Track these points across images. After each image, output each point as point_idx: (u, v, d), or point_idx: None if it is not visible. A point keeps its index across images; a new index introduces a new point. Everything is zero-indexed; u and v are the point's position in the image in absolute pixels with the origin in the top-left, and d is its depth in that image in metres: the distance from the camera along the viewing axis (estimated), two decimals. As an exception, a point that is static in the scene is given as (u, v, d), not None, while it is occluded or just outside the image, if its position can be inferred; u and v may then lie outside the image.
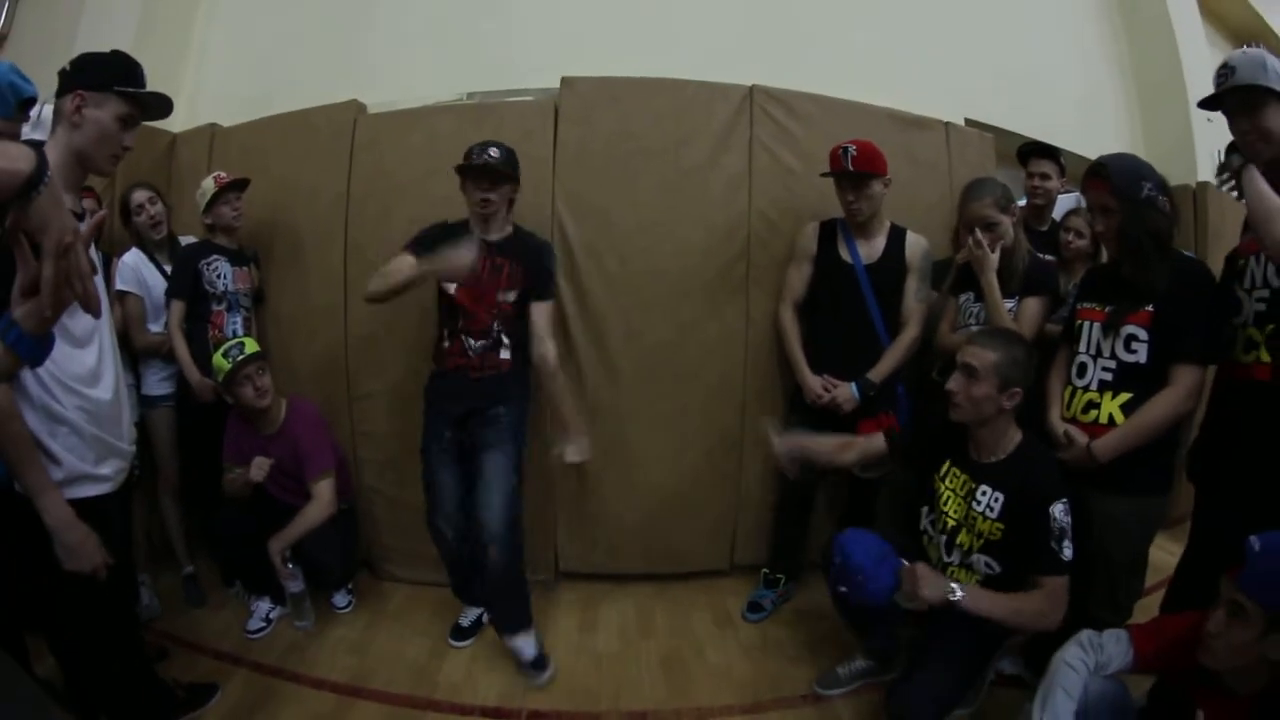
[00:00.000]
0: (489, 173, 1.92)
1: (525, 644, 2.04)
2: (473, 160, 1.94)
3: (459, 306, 1.99)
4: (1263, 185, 1.47)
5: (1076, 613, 1.64)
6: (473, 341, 2.01)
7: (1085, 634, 1.43)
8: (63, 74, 1.29)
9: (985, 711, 1.86)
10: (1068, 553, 1.57)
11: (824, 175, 2.18)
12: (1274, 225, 1.43)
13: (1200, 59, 3.16)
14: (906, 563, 1.65)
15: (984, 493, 1.68)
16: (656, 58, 2.45)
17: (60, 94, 1.27)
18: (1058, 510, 1.57)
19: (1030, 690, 1.84)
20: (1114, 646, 1.39)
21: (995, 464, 1.68)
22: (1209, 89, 1.61)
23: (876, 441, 1.86)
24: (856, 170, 2.10)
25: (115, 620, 1.42)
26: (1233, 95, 1.53)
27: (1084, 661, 1.37)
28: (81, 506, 1.28)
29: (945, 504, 1.76)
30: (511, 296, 2.01)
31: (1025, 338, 1.76)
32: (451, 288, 1.97)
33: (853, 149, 2.11)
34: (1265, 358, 1.51)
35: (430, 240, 1.94)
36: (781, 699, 1.98)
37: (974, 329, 2.06)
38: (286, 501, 2.24)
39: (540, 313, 2.01)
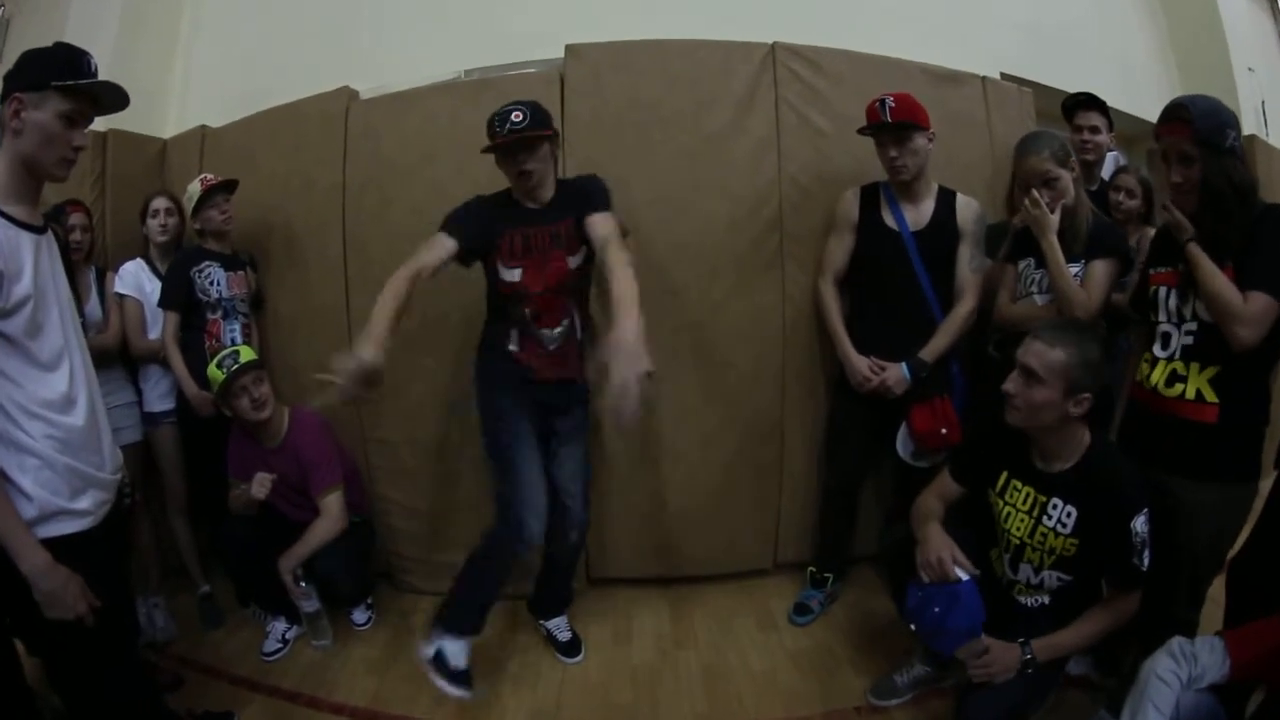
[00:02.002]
0: (522, 144, 1.70)
1: (563, 626, 2.09)
2: (497, 134, 1.70)
3: (526, 294, 1.77)
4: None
5: (1157, 612, 1.51)
6: (548, 332, 1.82)
7: (1176, 643, 1.31)
8: (4, 78, 1.18)
9: (1051, 715, 1.66)
10: (1146, 562, 1.45)
11: (861, 132, 1.98)
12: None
13: (1239, 8, 2.94)
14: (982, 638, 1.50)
15: (1055, 506, 1.51)
16: (667, 18, 2.30)
17: (2, 100, 1.16)
18: (1139, 524, 1.42)
19: (1099, 691, 1.74)
20: (1208, 656, 1.27)
21: (1065, 472, 1.50)
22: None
23: (1012, 656, 1.53)
24: (896, 121, 1.90)
25: (108, 664, 1.31)
26: None
27: (1176, 675, 1.26)
28: (58, 545, 1.17)
29: (1007, 521, 1.59)
30: (580, 261, 1.80)
31: (1098, 331, 1.59)
32: (515, 274, 1.75)
33: (890, 100, 1.91)
34: None
35: (469, 218, 1.74)
36: (833, 711, 1.83)
37: (1036, 299, 1.88)
38: (294, 517, 2.14)
39: (597, 223, 1.71)
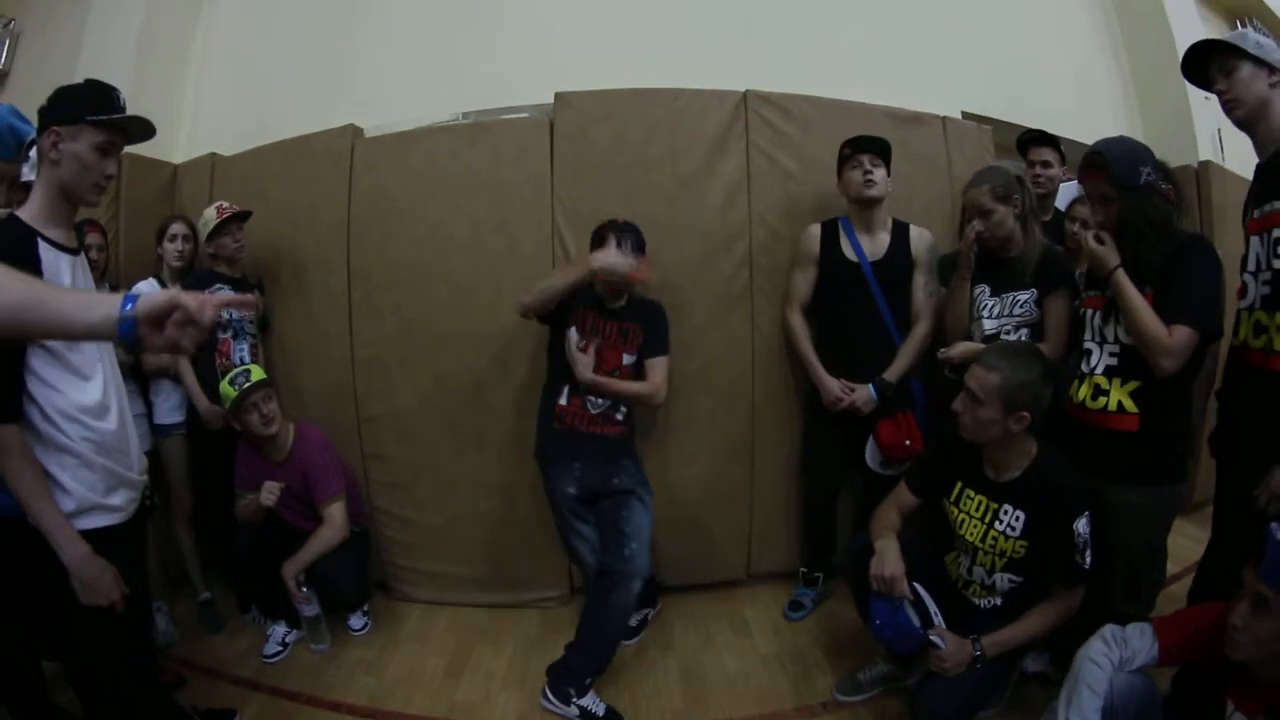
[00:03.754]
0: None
1: (595, 702, 1.91)
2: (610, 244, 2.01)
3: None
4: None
5: (1098, 606, 1.64)
6: (594, 399, 2.05)
7: (1109, 629, 1.42)
8: (40, 112, 1.30)
9: (1011, 710, 1.84)
10: (1089, 561, 1.58)
11: (852, 139, 2.17)
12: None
13: (1194, 37, 3.11)
14: (934, 636, 1.64)
15: (1005, 511, 1.66)
16: (649, 68, 2.45)
17: (39, 132, 1.28)
18: (1081, 525, 1.57)
19: (1055, 687, 1.85)
20: (1138, 641, 1.37)
21: (1014, 481, 1.66)
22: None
23: (965, 652, 1.67)
24: (886, 140, 2.14)
25: (131, 651, 1.41)
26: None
27: (1108, 657, 1.36)
28: (93, 537, 1.28)
29: (962, 528, 1.75)
30: (632, 358, 2.09)
31: (1044, 354, 1.70)
32: (576, 342, 2.02)
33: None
34: (1277, 345, 1.46)
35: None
36: (803, 707, 1.96)
37: (985, 324, 2.04)
38: (299, 526, 2.25)
39: (656, 366, 2.09)
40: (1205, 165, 3.04)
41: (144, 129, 1.35)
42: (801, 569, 2.47)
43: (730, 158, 2.38)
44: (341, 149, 2.43)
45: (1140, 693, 1.35)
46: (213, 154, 2.71)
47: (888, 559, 1.69)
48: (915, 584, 1.70)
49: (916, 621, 1.67)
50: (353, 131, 2.47)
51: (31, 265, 1.21)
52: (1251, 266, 1.54)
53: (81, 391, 1.29)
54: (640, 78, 2.41)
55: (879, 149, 2.16)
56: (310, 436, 2.27)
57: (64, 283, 1.27)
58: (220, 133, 2.78)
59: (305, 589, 2.17)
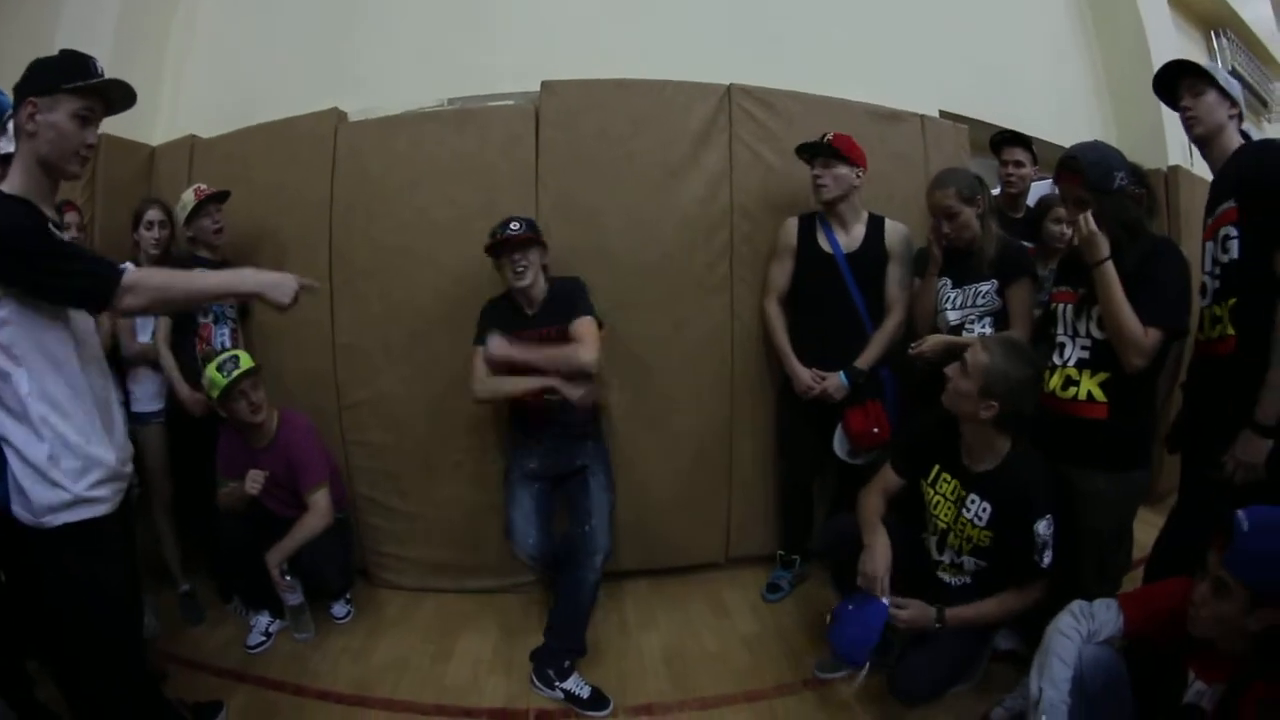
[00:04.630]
0: (516, 243, 2.04)
1: (580, 683, 1.95)
2: (497, 235, 2.07)
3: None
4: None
5: (1067, 585, 1.70)
6: (549, 396, 2.08)
7: (1076, 604, 1.47)
8: (15, 88, 1.27)
9: (983, 686, 1.91)
10: (1047, 561, 1.67)
11: (799, 146, 2.23)
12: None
13: (1169, 46, 3.25)
14: (889, 606, 1.71)
15: (973, 501, 1.74)
16: (635, 60, 2.47)
17: (15, 106, 1.25)
18: (1042, 526, 1.65)
19: (1026, 664, 1.92)
20: (1104, 614, 1.43)
21: (985, 473, 1.74)
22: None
23: (926, 615, 1.77)
24: (829, 144, 2.17)
25: (124, 644, 1.40)
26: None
27: (1077, 630, 1.41)
28: (82, 529, 1.27)
29: (936, 508, 1.82)
30: None
31: (1038, 364, 1.75)
32: (493, 347, 2.08)
33: (830, 134, 2.19)
34: (1230, 331, 1.58)
35: (490, 323, 2.12)
36: (784, 685, 2.01)
37: (949, 315, 2.12)
38: (282, 514, 2.24)
39: (578, 325, 2.08)
40: (1175, 170, 3.15)
41: (124, 95, 1.32)
42: (779, 552, 2.54)
43: (713, 150, 2.41)
44: (325, 132, 2.40)
45: (1107, 663, 1.41)
46: (192, 136, 2.66)
47: (876, 557, 1.76)
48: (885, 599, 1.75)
49: (853, 638, 1.74)
50: (336, 115, 2.44)
51: (38, 216, 1.20)
52: (1207, 267, 1.67)
53: (54, 382, 1.26)
54: (625, 70, 2.43)
55: (827, 152, 2.19)
56: (294, 423, 2.26)
57: None
58: (200, 114, 2.73)
59: (289, 577, 2.16)
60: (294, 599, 2.20)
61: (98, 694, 1.38)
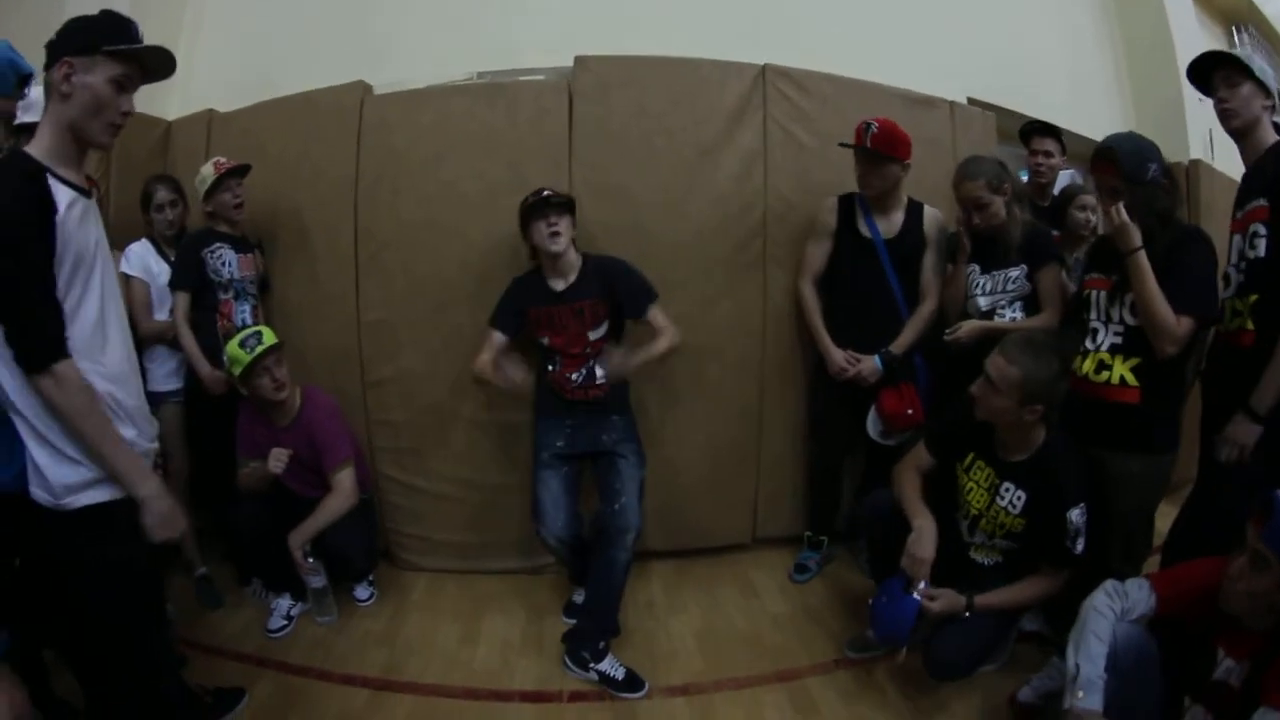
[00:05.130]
0: (555, 204, 1.99)
1: (615, 665, 1.93)
2: (530, 199, 2.01)
3: (553, 349, 2.11)
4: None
5: (1097, 567, 1.72)
6: (571, 375, 2.09)
7: (1110, 583, 1.49)
8: (50, 45, 1.19)
9: (1011, 667, 1.93)
10: (1079, 549, 1.69)
11: (841, 145, 2.20)
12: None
13: (1191, 40, 3.27)
14: (920, 597, 1.72)
15: (1008, 489, 1.75)
16: (666, 37, 2.44)
17: (49, 66, 1.17)
18: (1074, 514, 1.67)
19: (1050, 645, 1.96)
20: (1137, 593, 1.45)
21: (1020, 463, 1.75)
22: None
23: (957, 604, 1.77)
24: (873, 148, 2.13)
25: (148, 628, 1.34)
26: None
27: (1111, 608, 1.43)
28: (105, 510, 1.21)
29: (969, 494, 1.83)
30: (600, 332, 2.09)
31: (1062, 352, 1.72)
32: (545, 339, 2.10)
33: (875, 127, 2.13)
34: (1249, 325, 1.63)
35: (508, 310, 2.10)
36: (817, 665, 2.02)
37: (979, 301, 2.14)
38: (305, 494, 2.19)
39: (655, 315, 2.06)
40: (1196, 164, 3.17)
41: (164, 62, 1.25)
42: (807, 533, 2.55)
43: (748, 129, 2.39)
44: (350, 105, 2.34)
45: (1139, 641, 1.43)
46: (210, 110, 2.58)
47: (925, 541, 1.75)
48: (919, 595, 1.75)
49: (893, 624, 1.75)
50: (362, 87, 2.38)
51: (42, 201, 1.12)
52: (1233, 260, 1.70)
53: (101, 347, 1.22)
54: (655, 48, 2.39)
55: (871, 157, 2.15)
56: (318, 401, 2.21)
57: (85, 228, 1.18)
58: (217, 88, 2.64)
59: (312, 559, 2.11)
60: (317, 581, 2.15)
61: (120, 684, 1.33)
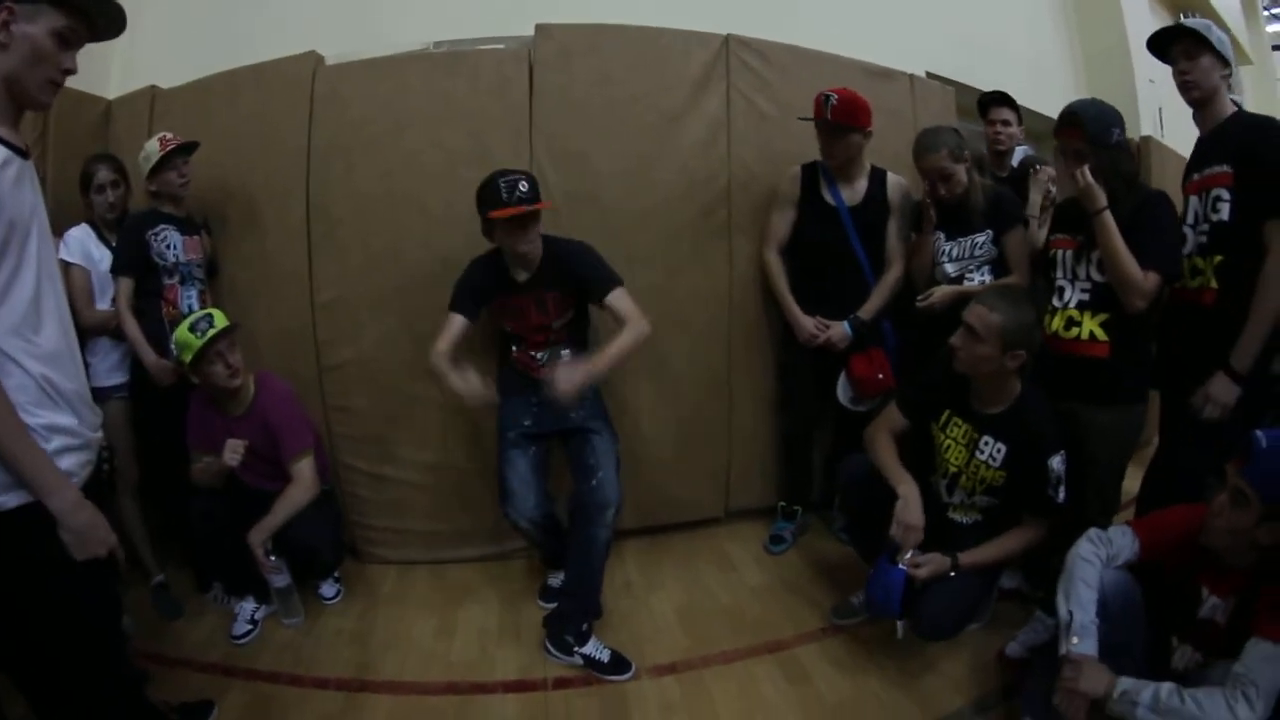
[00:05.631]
0: (530, 217, 1.82)
1: (599, 647, 1.88)
2: (506, 203, 1.77)
3: (514, 334, 2.03)
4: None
5: (1074, 519, 1.74)
6: (536, 354, 2.01)
7: (1093, 531, 1.52)
8: None
9: (993, 625, 1.96)
10: (1061, 496, 1.70)
11: (802, 119, 2.19)
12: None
13: (1142, 22, 3.42)
14: (905, 566, 1.71)
15: (987, 442, 1.77)
16: (627, 4, 2.40)
17: None
18: (1055, 461, 1.69)
19: (1031, 602, 1.98)
20: (1121, 539, 1.48)
21: (997, 415, 1.76)
22: (1149, 55, 1.85)
23: (942, 565, 1.76)
24: (834, 120, 2.13)
25: (102, 642, 1.21)
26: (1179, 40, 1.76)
27: (1097, 555, 1.46)
28: (46, 510, 1.07)
29: (947, 452, 1.84)
30: (565, 319, 2.00)
31: (1032, 300, 1.78)
32: (506, 325, 2.01)
33: (834, 98, 2.13)
34: (1213, 284, 1.69)
35: (467, 293, 1.94)
36: (803, 634, 2.00)
37: (947, 268, 2.16)
38: (262, 487, 2.07)
39: (617, 301, 1.89)
40: (1146, 140, 3.31)
41: (113, 19, 1.16)
42: (780, 503, 2.53)
43: (712, 98, 2.38)
44: (301, 76, 2.24)
45: (1125, 586, 1.46)
46: (153, 86, 2.44)
47: (914, 508, 1.74)
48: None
49: (882, 595, 1.74)
50: (314, 58, 2.28)
51: None
52: (1190, 220, 1.77)
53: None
54: (616, 17, 2.34)
55: (833, 129, 2.15)
56: (273, 387, 2.10)
57: (19, 191, 1.07)
58: (160, 64, 2.49)
59: (274, 557, 1.99)
60: (280, 581, 2.03)
61: (76, 706, 1.20)
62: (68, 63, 1.12)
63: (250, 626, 2.06)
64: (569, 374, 1.76)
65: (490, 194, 1.79)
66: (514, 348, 2.04)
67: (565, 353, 1.99)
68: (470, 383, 1.80)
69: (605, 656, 1.86)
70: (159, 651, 1.98)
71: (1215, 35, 1.73)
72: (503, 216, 1.77)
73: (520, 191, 1.78)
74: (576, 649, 1.86)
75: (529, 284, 1.93)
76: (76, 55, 1.14)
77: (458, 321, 1.91)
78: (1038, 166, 2.53)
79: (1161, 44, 1.80)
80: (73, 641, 1.15)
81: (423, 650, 1.99)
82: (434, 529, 2.41)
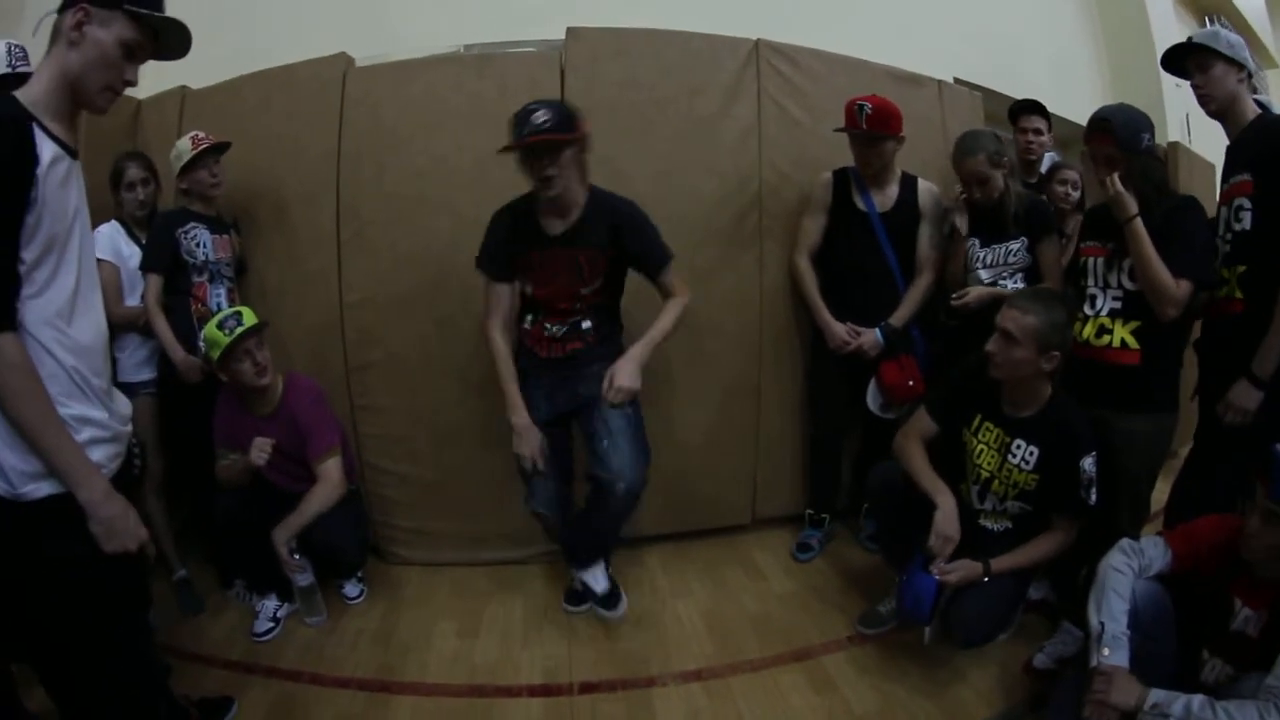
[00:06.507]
0: (544, 147, 1.63)
1: (599, 575, 1.93)
2: (517, 136, 1.63)
3: (536, 300, 1.87)
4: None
5: (1103, 528, 1.73)
6: (551, 326, 1.87)
7: (1125, 541, 1.51)
8: None
9: (1020, 636, 1.93)
10: (1094, 498, 1.69)
11: (838, 130, 2.18)
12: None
13: (1168, 28, 3.41)
14: (937, 574, 1.70)
15: (1019, 446, 1.75)
16: (659, 9, 2.41)
17: (63, 9, 1.09)
18: (1088, 463, 1.68)
19: (1058, 613, 1.96)
20: (1153, 550, 1.47)
21: (1029, 418, 1.75)
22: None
23: (974, 571, 1.74)
24: (869, 129, 2.12)
25: (129, 636, 1.22)
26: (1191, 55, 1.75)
27: (1129, 565, 1.45)
28: (73, 501, 1.07)
29: (979, 457, 1.82)
30: (595, 286, 1.83)
31: (1064, 300, 1.76)
32: (529, 286, 1.85)
33: (868, 107, 2.11)
34: (1237, 294, 1.68)
35: (495, 254, 1.83)
36: (830, 643, 1.99)
37: (981, 274, 2.15)
38: (288, 488, 2.07)
39: (670, 276, 1.82)
40: (1174, 146, 3.25)
41: (180, 40, 1.17)
42: (808, 511, 2.52)
43: (743, 102, 2.36)
44: (331, 78, 2.24)
45: (1157, 597, 1.44)
46: (183, 87, 2.45)
47: (951, 519, 1.73)
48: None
49: (912, 601, 1.73)
50: (345, 60, 2.29)
51: (22, 150, 1.01)
52: (1219, 231, 1.75)
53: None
54: (650, 19, 2.36)
55: (868, 139, 2.13)
56: (301, 386, 2.10)
57: (66, 191, 1.08)
58: (191, 64, 2.45)
59: (298, 556, 1.99)
60: (304, 579, 2.03)
61: (99, 697, 1.20)
62: (130, 74, 1.14)
63: (272, 624, 2.06)
64: (628, 372, 1.73)
65: (510, 128, 1.66)
66: (528, 317, 1.89)
67: (586, 324, 1.85)
68: (529, 441, 1.84)
69: (601, 586, 1.95)
70: (180, 646, 1.98)
71: (1223, 41, 1.72)
72: (507, 152, 1.64)
73: (534, 123, 1.60)
74: (577, 574, 1.95)
75: (564, 236, 1.75)
76: (139, 69, 1.15)
77: (501, 292, 1.83)
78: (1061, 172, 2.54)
79: (1176, 63, 1.79)
80: (95, 632, 1.15)
81: (445, 652, 1.98)
82: (458, 531, 2.41)
